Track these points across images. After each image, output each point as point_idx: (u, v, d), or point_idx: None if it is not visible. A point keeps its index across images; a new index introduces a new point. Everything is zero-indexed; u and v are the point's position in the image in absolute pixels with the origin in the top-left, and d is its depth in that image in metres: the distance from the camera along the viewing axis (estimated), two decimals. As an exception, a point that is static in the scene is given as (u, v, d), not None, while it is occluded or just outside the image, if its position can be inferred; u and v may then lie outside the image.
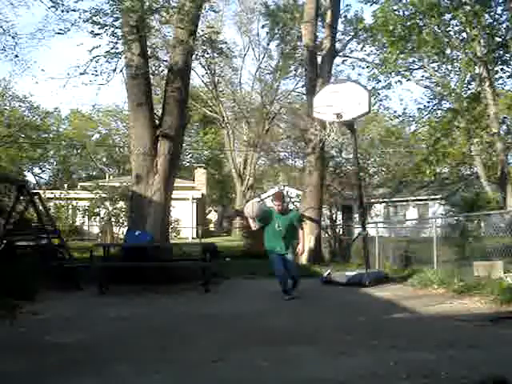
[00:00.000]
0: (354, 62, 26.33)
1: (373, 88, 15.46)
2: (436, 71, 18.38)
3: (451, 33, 15.39)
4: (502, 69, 15.82)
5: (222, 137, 39.22)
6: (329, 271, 9.43)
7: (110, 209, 20.24)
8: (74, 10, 9.32)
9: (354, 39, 19.16)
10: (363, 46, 18.37)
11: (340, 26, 18.17)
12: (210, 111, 36.12)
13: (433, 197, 26.65)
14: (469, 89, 16.68)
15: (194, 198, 29.29)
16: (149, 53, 10.26)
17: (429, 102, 18.53)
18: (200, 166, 35.37)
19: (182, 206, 25.89)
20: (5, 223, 10.15)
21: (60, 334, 5.11)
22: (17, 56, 16.18)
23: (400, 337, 4.77)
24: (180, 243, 17.31)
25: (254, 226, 7.45)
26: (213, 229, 37.03)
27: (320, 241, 13.41)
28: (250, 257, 14.28)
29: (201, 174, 34.04)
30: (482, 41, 15.14)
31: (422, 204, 27.44)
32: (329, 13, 14.34)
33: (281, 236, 7.13)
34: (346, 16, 19.88)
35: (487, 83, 15.22)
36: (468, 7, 13.67)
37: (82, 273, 8.68)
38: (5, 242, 9.52)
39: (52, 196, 22.95)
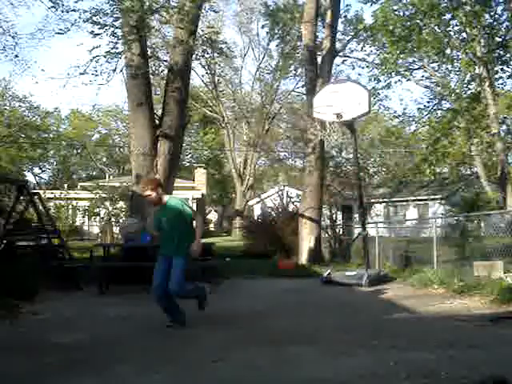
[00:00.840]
0: (354, 61, 26.49)
1: (373, 88, 15.45)
2: (436, 71, 18.43)
3: (451, 33, 15.38)
4: (502, 69, 15.81)
5: (222, 137, 39.23)
6: (329, 271, 9.43)
7: (110, 209, 20.24)
8: (74, 10, 9.35)
9: (354, 39, 19.17)
10: (363, 46, 18.38)
11: (340, 26, 18.24)
12: (210, 111, 36.12)
13: (433, 197, 26.66)
14: (469, 89, 16.67)
15: (194, 198, 29.28)
16: (149, 53, 10.28)
17: (429, 102, 18.59)
18: (200, 166, 35.38)
19: (182, 206, 25.83)
20: (5, 223, 10.15)
21: (60, 334, 5.11)
22: (17, 56, 16.22)
23: (400, 337, 4.77)
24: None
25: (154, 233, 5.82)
26: (213, 229, 37.02)
27: (320, 241, 13.40)
28: (250, 257, 14.29)
29: (201, 174, 34.05)
30: (482, 41, 15.16)
31: (422, 204, 27.44)
32: (329, 13, 14.33)
33: (168, 235, 5.28)
34: (345, 16, 19.94)
35: (487, 83, 15.24)
36: (468, 7, 13.65)
37: (81, 273, 8.68)
38: (5, 242, 9.52)
39: (52, 196, 22.93)
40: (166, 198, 5.42)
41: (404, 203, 27.80)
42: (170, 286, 5.05)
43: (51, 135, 38.35)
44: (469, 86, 16.71)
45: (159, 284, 5.11)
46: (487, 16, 14.75)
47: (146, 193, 5.31)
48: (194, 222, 5.36)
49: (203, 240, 5.82)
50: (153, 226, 5.65)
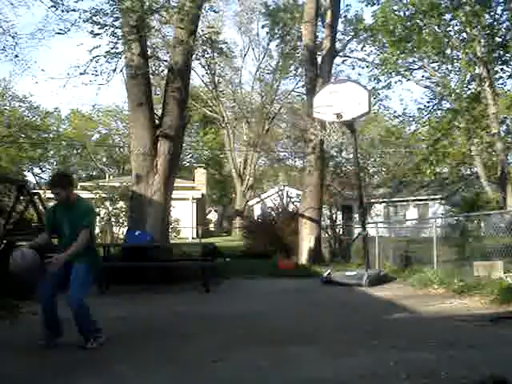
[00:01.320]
0: (354, 61, 26.40)
1: (373, 88, 15.47)
2: (436, 71, 18.40)
3: (451, 33, 15.40)
4: (502, 69, 15.84)
5: (222, 137, 39.24)
6: (329, 271, 9.44)
7: (110, 209, 20.21)
8: (73, 10, 9.32)
9: (354, 39, 19.18)
10: (363, 46, 18.38)
11: (340, 26, 18.21)
12: (210, 111, 36.13)
13: (433, 197, 26.65)
14: (469, 89, 16.66)
15: (194, 198, 29.28)
16: (149, 53, 10.26)
17: (429, 102, 18.55)
18: (200, 166, 35.37)
19: (182, 206, 25.86)
20: (5, 223, 10.15)
21: (60, 334, 5.10)
22: (17, 56, 16.21)
23: (400, 337, 4.77)
24: (180, 243, 17.31)
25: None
26: (213, 229, 37.01)
27: (320, 241, 13.41)
28: (250, 257, 14.29)
29: (201, 174, 34.04)
30: (482, 41, 15.15)
31: (422, 204, 27.44)
32: (329, 13, 14.33)
33: (68, 240, 4.63)
34: (346, 16, 19.93)
35: (487, 83, 15.23)
36: (468, 7, 13.66)
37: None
38: (5, 242, 9.52)
39: (52, 196, 22.90)
40: (74, 197, 4.79)
41: (404, 203, 27.80)
42: (70, 299, 4.37)
43: (51, 135, 38.35)
44: (469, 86, 16.72)
45: (45, 292, 4.50)
46: (487, 16, 14.77)
47: (55, 190, 4.69)
48: (80, 235, 4.50)
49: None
50: (46, 224, 4.98)
